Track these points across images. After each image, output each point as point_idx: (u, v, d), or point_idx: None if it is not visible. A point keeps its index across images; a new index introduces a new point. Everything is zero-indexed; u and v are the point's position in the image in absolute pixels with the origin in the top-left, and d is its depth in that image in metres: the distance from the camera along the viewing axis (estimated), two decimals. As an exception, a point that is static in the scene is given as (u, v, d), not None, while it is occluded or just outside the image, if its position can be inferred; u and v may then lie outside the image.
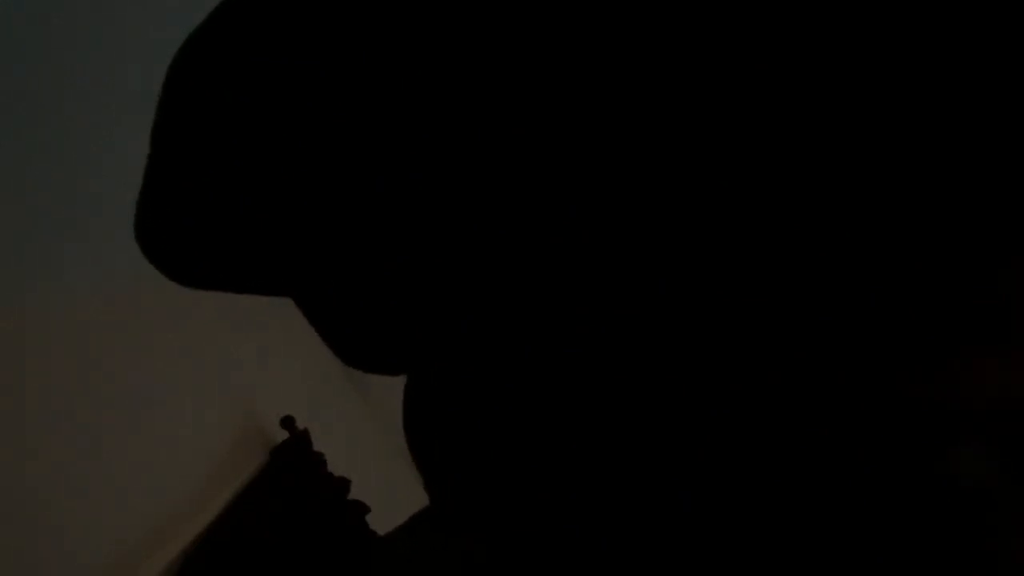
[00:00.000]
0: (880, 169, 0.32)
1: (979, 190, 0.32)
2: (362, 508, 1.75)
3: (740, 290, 0.34)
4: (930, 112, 0.32)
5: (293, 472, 1.67)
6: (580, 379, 0.37)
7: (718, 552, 0.35)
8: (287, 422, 1.70)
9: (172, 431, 1.43)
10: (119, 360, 1.36)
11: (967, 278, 0.32)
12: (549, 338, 0.38)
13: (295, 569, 1.53)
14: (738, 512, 0.35)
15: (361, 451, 2.05)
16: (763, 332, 0.34)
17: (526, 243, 0.37)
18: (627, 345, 0.36)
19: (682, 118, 0.34)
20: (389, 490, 1.70)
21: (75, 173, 1.32)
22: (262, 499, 1.55)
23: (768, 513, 0.34)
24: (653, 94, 0.34)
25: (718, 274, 0.34)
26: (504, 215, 0.37)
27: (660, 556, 0.36)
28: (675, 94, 0.34)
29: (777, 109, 0.33)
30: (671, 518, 0.36)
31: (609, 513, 0.37)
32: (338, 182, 0.40)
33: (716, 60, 0.33)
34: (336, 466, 1.76)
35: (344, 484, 1.75)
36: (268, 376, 1.82)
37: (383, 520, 1.72)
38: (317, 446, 1.74)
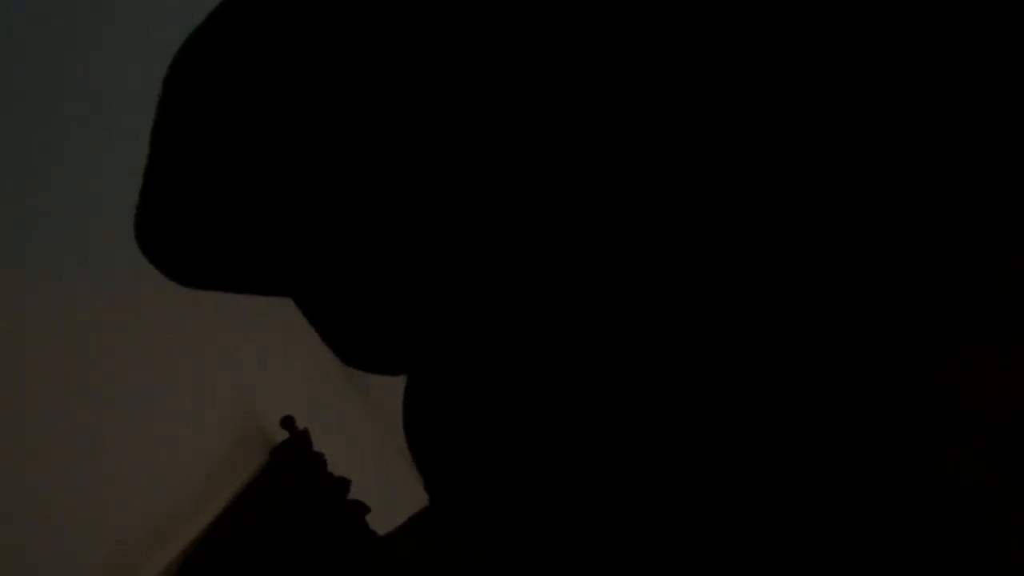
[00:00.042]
0: (880, 169, 0.32)
1: (979, 190, 0.32)
2: (362, 508, 1.75)
3: (740, 290, 0.34)
4: (930, 112, 0.32)
5: (293, 472, 1.67)
6: (580, 379, 0.37)
7: (718, 552, 0.35)
8: (287, 422, 1.70)
9: (172, 431, 1.43)
10: (119, 360, 1.36)
11: (967, 278, 0.32)
12: (549, 338, 0.38)
13: (295, 569, 1.53)
14: (738, 512, 0.35)
15: (361, 451, 2.06)
16: (763, 332, 0.34)
17: (526, 243, 0.37)
18: (627, 345, 0.36)
19: (682, 118, 0.34)
20: (389, 490, 1.70)
21: (75, 173, 1.32)
22: (262, 499, 1.55)
23: (768, 513, 0.34)
24: (653, 94, 0.34)
25: (718, 274, 0.34)
26: (504, 215, 0.37)
27: (660, 556, 0.36)
28: (675, 94, 0.34)
29: (776, 109, 0.33)
30: (671, 518, 0.36)
31: (609, 513, 0.37)
32: (338, 182, 0.40)
33: (716, 60, 0.33)
34: (336, 466, 1.76)
35: (344, 484, 1.75)
36: (268, 376, 1.82)
37: (383, 520, 1.72)
38: (317, 446, 1.74)
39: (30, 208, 1.23)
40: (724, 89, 0.33)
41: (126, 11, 1.41)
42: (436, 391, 0.44)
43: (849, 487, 0.34)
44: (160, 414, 1.41)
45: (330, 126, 0.39)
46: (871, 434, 0.33)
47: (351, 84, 0.39)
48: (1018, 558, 0.33)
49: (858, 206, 0.33)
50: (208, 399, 1.58)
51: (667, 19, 0.34)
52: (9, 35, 1.23)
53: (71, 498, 1.16)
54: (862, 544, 0.34)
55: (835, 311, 0.33)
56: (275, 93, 0.40)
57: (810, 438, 0.34)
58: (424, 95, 0.37)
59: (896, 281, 0.33)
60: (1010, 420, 0.33)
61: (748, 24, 0.33)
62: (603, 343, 0.37)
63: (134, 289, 1.28)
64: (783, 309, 0.34)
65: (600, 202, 0.36)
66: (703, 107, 0.34)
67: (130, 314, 1.39)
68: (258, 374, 1.78)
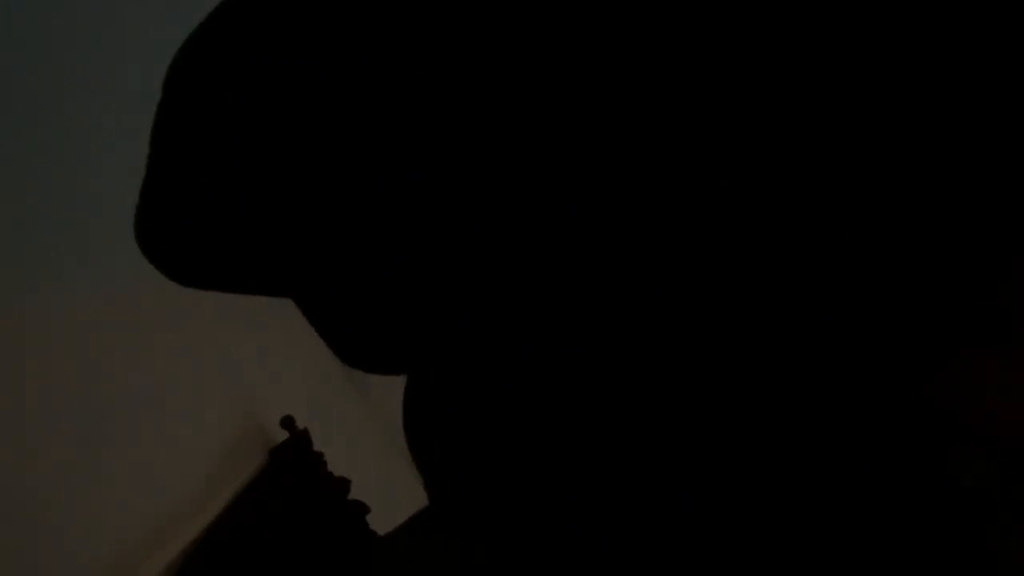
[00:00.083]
0: (880, 171, 0.32)
1: (979, 192, 0.32)
2: (362, 508, 1.75)
3: (740, 290, 0.34)
4: (930, 114, 0.32)
5: (293, 472, 1.67)
6: (580, 379, 0.37)
7: (718, 552, 0.35)
8: (287, 422, 1.70)
9: (172, 431, 1.43)
10: (119, 360, 1.36)
11: (967, 279, 0.32)
12: (549, 338, 0.38)
13: (295, 569, 1.53)
14: (738, 512, 0.35)
15: (361, 451, 2.05)
16: (763, 332, 0.34)
17: (526, 243, 0.37)
18: (627, 345, 0.36)
19: (682, 119, 0.34)
20: (389, 490, 1.70)
21: (75, 173, 1.32)
22: (262, 499, 1.55)
23: (768, 513, 0.34)
24: (653, 95, 0.34)
25: (718, 274, 0.34)
26: (504, 215, 0.37)
27: (660, 556, 0.36)
28: (675, 95, 0.34)
29: (778, 110, 0.33)
30: (671, 518, 0.36)
31: (609, 513, 0.37)
32: (338, 182, 0.40)
33: (716, 61, 0.33)
34: (336, 466, 1.76)
35: (344, 484, 1.75)
36: (268, 376, 1.82)
37: (383, 520, 1.72)
38: (317, 446, 1.74)
39: (30, 208, 1.23)
40: (724, 91, 0.33)
41: (126, 11, 1.41)
42: (436, 391, 0.44)
43: (849, 487, 0.34)
44: (160, 414, 1.41)
45: (330, 126, 0.39)
46: (871, 434, 0.33)
47: (351, 84, 0.39)
48: (1018, 558, 0.33)
49: (858, 208, 0.33)
50: (208, 399, 1.58)
51: (667, 20, 0.34)
52: (9, 35, 1.23)
53: (71, 498, 1.16)
54: (862, 544, 0.34)
55: (835, 311, 0.33)
56: (275, 93, 0.40)
57: (810, 438, 0.34)
58: (424, 95, 0.37)
59: (896, 282, 0.33)
60: (1010, 420, 0.33)
61: (748, 26, 0.33)
62: (603, 343, 0.37)
63: (134, 289, 1.28)
64: (783, 310, 0.34)
65: (600, 203, 0.36)
66: (703, 108, 0.34)
67: (130, 314, 1.39)
68: (258, 374, 1.78)
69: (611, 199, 0.35)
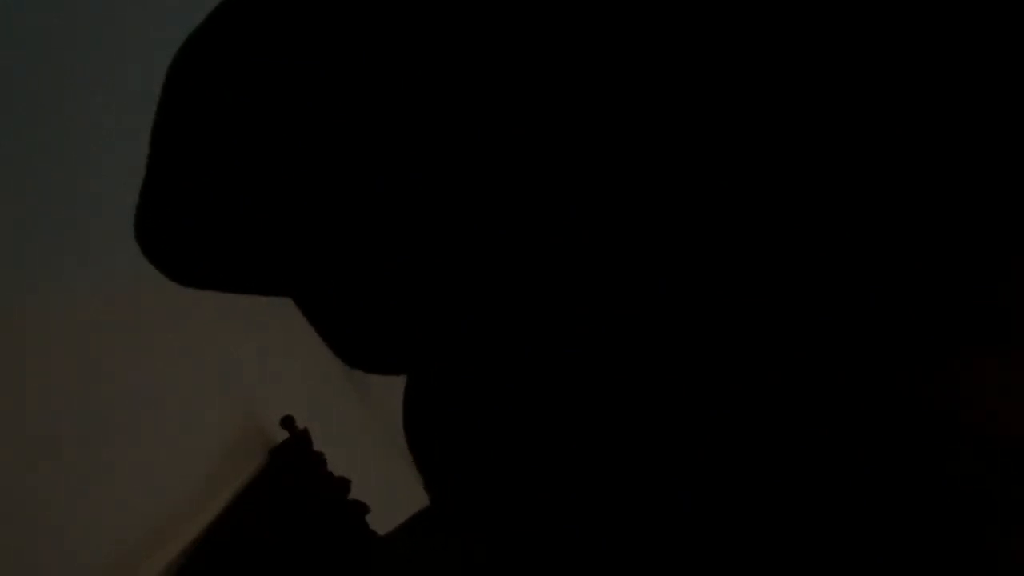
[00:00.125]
0: (880, 170, 0.32)
1: (979, 191, 0.32)
2: (362, 508, 1.75)
3: (740, 290, 0.34)
4: (930, 114, 0.32)
5: (293, 472, 1.67)
6: (580, 379, 0.37)
7: (718, 552, 0.35)
8: (287, 422, 1.70)
9: (172, 431, 1.43)
10: (119, 360, 1.36)
11: (967, 278, 0.32)
12: (549, 338, 0.38)
13: (295, 569, 1.53)
14: (738, 512, 0.35)
15: (361, 451, 2.06)
16: (763, 332, 0.34)
17: (526, 243, 0.37)
18: (627, 345, 0.36)
19: (682, 118, 0.34)
20: (389, 490, 1.70)
21: (75, 173, 1.32)
22: (262, 499, 1.55)
23: (768, 513, 0.34)
24: (653, 94, 0.34)
25: (718, 274, 0.34)
26: (504, 215, 0.37)
27: (660, 556, 0.36)
28: (675, 94, 0.34)
29: (778, 110, 0.33)
30: (671, 518, 0.36)
31: (609, 513, 0.37)
32: (338, 182, 0.40)
33: (716, 61, 0.33)
34: (336, 466, 1.76)
35: (344, 484, 1.75)
36: (268, 376, 1.82)
37: (383, 520, 1.72)
38: (317, 446, 1.74)
39: (30, 208, 1.23)
40: (724, 90, 0.33)
41: (126, 11, 1.41)
42: (436, 391, 0.44)
43: (849, 487, 0.34)
44: (160, 414, 1.41)
45: (330, 126, 0.39)
46: (871, 434, 0.33)
47: (351, 84, 0.39)
48: (1018, 558, 0.33)
49: (858, 207, 0.33)
50: (208, 399, 1.58)
51: (667, 20, 0.34)
52: (9, 35, 1.23)
53: (71, 498, 1.16)
54: (862, 544, 0.34)
55: (835, 311, 0.33)
56: (275, 93, 0.40)
57: (810, 438, 0.34)
58: (423, 95, 0.37)
59: (896, 282, 0.33)
60: (1010, 420, 0.33)
61: (748, 26, 0.33)
62: (603, 343, 0.37)
63: (134, 289, 1.28)
64: (783, 309, 0.34)
65: (600, 202, 0.36)
66: (703, 108, 0.34)
67: (130, 314, 1.39)
68: (258, 374, 1.78)
69: (611, 199, 0.35)
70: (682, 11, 0.33)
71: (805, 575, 0.34)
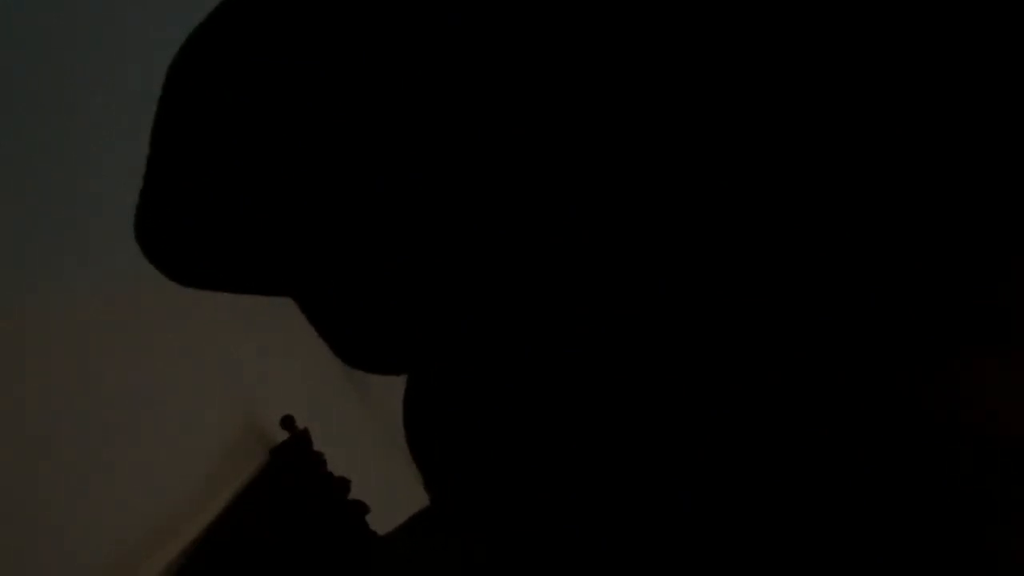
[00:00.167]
0: (881, 170, 0.32)
1: (979, 191, 0.32)
2: (362, 508, 1.75)
3: (740, 290, 0.34)
4: (930, 114, 0.32)
5: (293, 472, 1.67)
6: (580, 379, 0.37)
7: (718, 552, 0.35)
8: (287, 422, 1.70)
9: (172, 431, 1.43)
10: (119, 360, 1.36)
11: (967, 279, 0.32)
12: (549, 338, 0.38)
13: (295, 569, 1.53)
14: (738, 512, 0.35)
15: (361, 451, 2.05)
16: (763, 332, 0.34)
17: (526, 243, 0.37)
18: (627, 345, 0.36)
19: (682, 118, 0.34)
20: (389, 490, 1.70)
21: (75, 173, 1.32)
22: (262, 499, 1.55)
23: (768, 513, 0.34)
24: (653, 94, 0.34)
25: (718, 274, 0.34)
26: (504, 215, 0.37)
27: (660, 556, 0.36)
28: (675, 94, 0.34)
29: (778, 110, 0.33)
30: (671, 518, 0.36)
31: (609, 513, 0.37)
32: (338, 182, 0.40)
33: (716, 61, 0.33)
34: (336, 466, 1.76)
35: (344, 484, 1.75)
36: (268, 376, 1.82)
37: (383, 520, 1.72)
38: (317, 446, 1.74)
39: (30, 208, 1.23)
40: (724, 90, 0.33)
41: (126, 11, 1.41)
42: (436, 391, 0.44)
43: (849, 487, 0.34)
44: (160, 414, 1.41)
45: (330, 126, 0.39)
46: (871, 434, 0.33)
47: (351, 84, 0.39)
48: (1018, 558, 0.33)
49: (858, 207, 0.33)
50: (208, 399, 1.58)
51: (667, 20, 0.34)
52: (9, 35, 1.23)
53: (71, 498, 1.16)
54: (862, 544, 0.34)
55: (835, 312, 0.33)
56: (275, 93, 0.40)
57: (810, 438, 0.34)
58: (423, 95, 0.37)
59: (896, 282, 0.33)
60: (1010, 420, 0.33)
61: (748, 25, 0.33)
62: (603, 343, 0.37)
63: (134, 289, 1.28)
64: (783, 310, 0.34)
65: (600, 203, 0.36)
66: (703, 108, 0.34)
67: (130, 314, 1.39)
68: (258, 374, 1.78)
69: (611, 199, 0.35)
70: (682, 12, 0.33)
71: (805, 575, 0.34)
